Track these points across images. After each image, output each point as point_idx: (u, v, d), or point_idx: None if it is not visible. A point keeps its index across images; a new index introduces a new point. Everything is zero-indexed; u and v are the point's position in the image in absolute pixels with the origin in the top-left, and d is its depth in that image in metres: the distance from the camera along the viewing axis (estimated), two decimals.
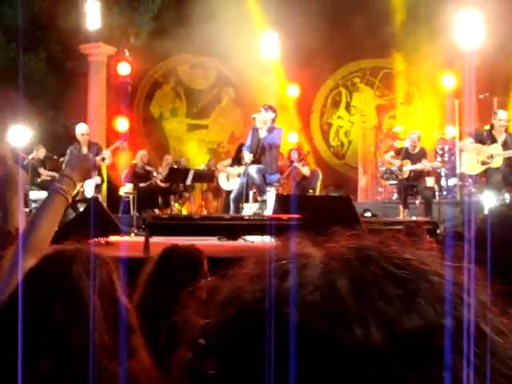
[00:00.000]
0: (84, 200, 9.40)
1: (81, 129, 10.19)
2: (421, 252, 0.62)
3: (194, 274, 2.83)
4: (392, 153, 11.47)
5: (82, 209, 8.37)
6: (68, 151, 10.18)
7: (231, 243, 7.12)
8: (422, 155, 10.82)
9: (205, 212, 13.81)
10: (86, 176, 2.50)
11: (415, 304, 0.56)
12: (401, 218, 10.30)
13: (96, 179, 9.89)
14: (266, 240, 6.99)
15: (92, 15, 13.92)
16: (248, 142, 9.17)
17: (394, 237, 0.65)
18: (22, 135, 12.34)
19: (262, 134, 8.89)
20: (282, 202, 7.25)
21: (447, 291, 0.57)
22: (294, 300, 0.57)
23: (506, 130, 9.47)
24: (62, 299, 1.54)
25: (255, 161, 8.93)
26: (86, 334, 1.49)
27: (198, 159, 15.53)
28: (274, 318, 0.56)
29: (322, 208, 7.20)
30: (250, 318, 0.58)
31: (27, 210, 8.95)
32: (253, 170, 8.82)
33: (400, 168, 10.78)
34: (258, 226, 6.78)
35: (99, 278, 1.61)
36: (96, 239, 7.24)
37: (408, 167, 10.68)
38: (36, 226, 2.15)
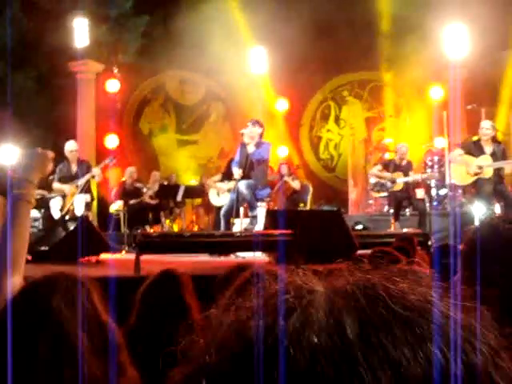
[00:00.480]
0: (74, 218, 9.35)
1: (70, 146, 10.14)
2: (426, 290, 0.60)
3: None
4: (379, 166, 11.47)
5: (72, 227, 8.31)
6: (57, 169, 10.13)
7: (223, 259, 7.10)
8: (409, 168, 10.87)
9: (196, 228, 13.78)
10: (43, 170, 2.44)
11: (424, 349, 0.54)
12: (392, 230, 10.31)
13: (86, 197, 9.85)
14: (258, 256, 6.97)
15: (80, 32, 13.91)
16: (237, 157, 9.17)
17: (399, 270, 0.63)
18: (10, 154, 12.30)
19: (250, 149, 8.90)
20: (273, 217, 7.24)
21: (456, 335, 0.55)
22: (300, 341, 0.55)
23: (494, 140, 9.52)
24: (46, 337, 1.50)
25: (244, 176, 8.94)
26: (74, 369, 1.46)
27: (188, 175, 15.51)
28: (279, 359, 0.54)
29: (313, 222, 7.20)
30: (252, 357, 0.56)
31: None
32: (242, 185, 8.82)
33: (392, 180, 10.79)
34: (249, 242, 6.76)
35: (81, 305, 1.57)
36: (86, 258, 7.21)
37: (402, 179, 10.70)
38: (8, 240, 2.10)
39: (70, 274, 1.67)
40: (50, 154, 2.51)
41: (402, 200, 10.83)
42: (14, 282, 2.00)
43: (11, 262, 2.02)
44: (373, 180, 11.73)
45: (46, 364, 1.47)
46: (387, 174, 10.95)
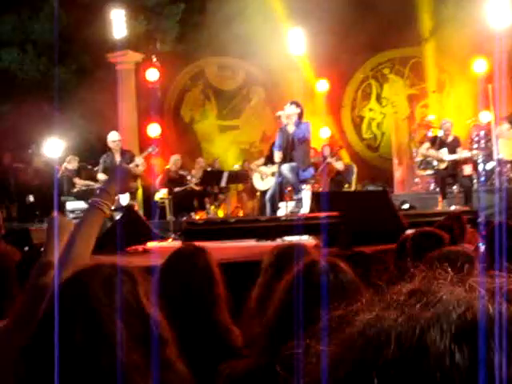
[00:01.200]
0: (120, 208, 9.43)
1: (112, 136, 10.23)
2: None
3: None
4: (427, 144, 11.26)
5: (117, 217, 8.38)
6: (101, 160, 10.25)
7: (270, 244, 7.07)
8: (456, 143, 10.65)
9: (241, 213, 13.78)
10: (124, 187, 2.56)
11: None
12: (439, 208, 10.14)
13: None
14: (305, 239, 6.92)
15: (117, 24, 14.00)
16: (277, 140, 9.09)
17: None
18: (56, 147, 12.48)
19: (290, 129, 8.80)
20: (319, 199, 7.17)
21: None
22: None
23: None
24: (82, 324, 1.50)
25: (287, 158, 8.85)
26: (112, 356, 1.45)
27: (230, 160, 15.51)
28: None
29: (359, 203, 7.12)
30: (411, 357, 0.52)
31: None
32: (285, 168, 8.75)
33: (439, 159, 10.59)
34: (295, 226, 6.71)
35: (122, 293, 1.56)
36: (133, 247, 7.27)
37: (449, 156, 10.49)
38: (73, 242, 2.18)
39: (114, 263, 1.66)
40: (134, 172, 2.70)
41: (447, 177, 10.63)
42: None
43: (71, 263, 2.04)
44: (418, 158, 11.54)
45: (82, 351, 1.47)
46: (434, 153, 10.74)
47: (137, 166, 10.03)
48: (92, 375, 1.46)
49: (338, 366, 0.55)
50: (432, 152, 10.82)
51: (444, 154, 10.58)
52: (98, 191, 2.42)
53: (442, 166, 10.55)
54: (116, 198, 9.02)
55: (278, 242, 7.23)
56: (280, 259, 2.89)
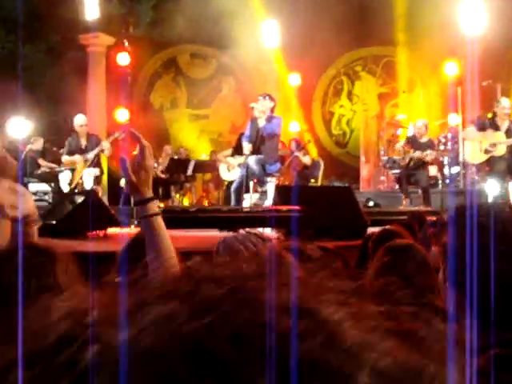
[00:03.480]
0: (83, 192, 9.31)
1: (79, 120, 10.10)
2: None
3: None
4: (403, 142, 11.34)
5: (79, 201, 8.27)
6: (67, 142, 10.13)
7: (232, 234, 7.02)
8: (429, 145, 10.71)
9: (206, 203, 13.74)
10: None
11: None
12: (402, 207, 10.21)
13: (95, 171, 9.82)
14: (267, 231, 6.90)
15: (91, 5, 13.78)
16: (247, 132, 9.08)
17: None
18: (21, 127, 12.26)
19: (261, 123, 8.80)
20: (282, 192, 7.16)
21: None
22: None
23: (509, 118, 9.39)
24: None
25: (255, 151, 8.84)
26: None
27: (199, 149, 15.43)
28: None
29: (323, 199, 7.12)
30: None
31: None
32: (252, 161, 8.73)
33: (404, 157, 10.69)
34: (258, 218, 6.69)
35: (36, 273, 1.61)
36: (94, 232, 7.18)
37: (410, 155, 10.58)
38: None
39: (37, 245, 1.72)
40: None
41: (409, 177, 10.71)
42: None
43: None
44: (385, 157, 11.60)
45: None
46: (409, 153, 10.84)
47: (102, 150, 9.93)
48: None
49: None
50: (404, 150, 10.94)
51: (408, 151, 10.68)
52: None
53: (403, 162, 10.65)
54: (80, 181, 8.88)
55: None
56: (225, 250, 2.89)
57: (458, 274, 1.43)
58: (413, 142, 10.83)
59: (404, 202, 10.65)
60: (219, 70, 16.44)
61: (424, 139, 10.78)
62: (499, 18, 11.95)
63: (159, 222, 2.09)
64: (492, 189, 9.33)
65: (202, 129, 16.35)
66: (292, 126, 14.47)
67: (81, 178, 9.65)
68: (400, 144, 11.41)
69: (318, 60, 15.04)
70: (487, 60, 11.84)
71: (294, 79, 15.14)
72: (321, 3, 13.88)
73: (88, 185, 9.60)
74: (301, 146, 12.16)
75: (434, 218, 7.09)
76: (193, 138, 15.96)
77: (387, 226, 4.51)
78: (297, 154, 11.80)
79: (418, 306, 0.51)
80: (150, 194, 2.12)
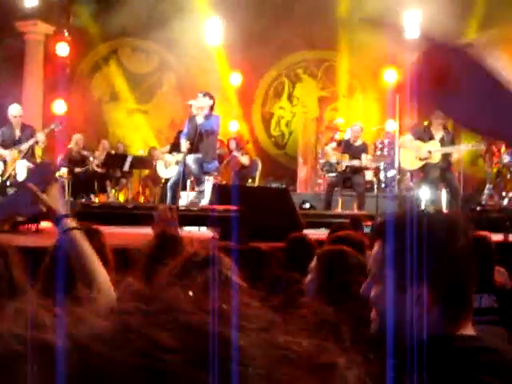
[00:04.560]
0: (14, 184, 9.07)
1: (14, 111, 9.82)
2: None
3: None
4: (334, 144, 11.50)
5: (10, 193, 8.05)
6: (0, 132, 9.85)
7: None
8: (363, 149, 10.89)
9: (142, 199, 13.59)
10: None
11: None
12: (339, 211, 10.33)
13: (28, 163, 9.58)
14: (203, 231, 6.87)
15: None
16: (185, 129, 9.04)
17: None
18: None
19: (199, 120, 8.77)
20: (219, 192, 7.14)
21: None
22: None
23: (444, 128, 9.65)
24: None
25: (193, 148, 8.80)
26: None
27: (137, 145, 15.25)
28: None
29: (259, 199, 7.12)
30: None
31: None
32: (190, 159, 8.69)
33: (338, 162, 10.83)
34: (194, 217, 6.65)
35: None
36: (26, 226, 7.00)
37: (346, 162, 10.74)
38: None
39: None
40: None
41: (345, 180, 10.87)
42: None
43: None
44: (323, 160, 11.72)
45: None
46: (336, 155, 10.99)
47: (37, 142, 9.71)
48: None
49: None
50: (335, 153, 11.06)
51: (344, 158, 10.82)
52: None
53: (340, 168, 10.81)
54: (13, 173, 8.61)
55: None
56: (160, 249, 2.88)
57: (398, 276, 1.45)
58: (346, 145, 10.99)
59: (339, 205, 10.80)
60: (160, 66, 16.29)
61: (358, 142, 10.95)
62: (439, 28, 12.21)
63: (79, 236, 2.17)
64: (425, 195, 9.56)
65: (140, 124, 16.16)
66: (231, 126, 14.46)
67: (13, 170, 9.41)
68: (330, 146, 11.54)
69: (260, 60, 15.08)
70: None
71: (235, 78, 15.13)
72: (265, 3, 13.90)
73: (21, 176, 9.36)
74: (239, 146, 12.17)
75: (370, 223, 7.21)
76: (131, 133, 15.75)
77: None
78: (235, 153, 11.80)
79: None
80: (64, 211, 2.22)
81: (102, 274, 2.08)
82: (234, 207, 6.14)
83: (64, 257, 2.79)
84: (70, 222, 2.20)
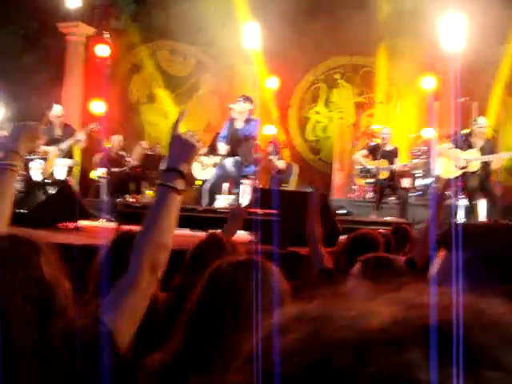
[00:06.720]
0: (55, 183, 9.19)
1: (56, 111, 9.94)
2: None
3: None
4: (364, 151, 11.31)
5: (52, 191, 8.17)
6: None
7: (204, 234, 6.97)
8: (394, 153, 10.76)
9: None
10: (31, 143, 2.48)
11: None
12: (375, 217, 10.25)
13: (68, 162, 9.70)
14: (241, 234, 6.87)
15: None
16: (224, 132, 9.05)
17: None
18: None
19: (239, 125, 8.78)
20: (259, 195, 7.13)
21: None
22: None
23: (485, 137, 9.52)
24: None
25: (231, 152, 8.82)
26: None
27: None
28: None
29: (297, 204, 7.09)
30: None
31: None
32: (229, 162, 8.72)
33: (378, 168, 10.68)
34: None
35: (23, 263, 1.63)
36: (65, 224, 7.09)
37: (386, 167, 10.61)
38: None
39: (18, 235, 1.72)
40: (40, 127, 2.54)
41: (385, 187, 10.75)
42: None
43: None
44: (359, 166, 11.65)
45: None
46: (371, 163, 10.86)
47: (77, 141, 9.82)
48: None
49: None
50: (368, 162, 10.92)
51: (383, 164, 10.69)
52: (5, 153, 2.31)
53: (382, 176, 10.67)
54: (53, 171, 8.72)
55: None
56: (205, 251, 2.88)
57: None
58: (374, 150, 10.87)
59: (374, 213, 10.71)
60: (198, 69, 16.37)
61: (389, 147, 10.81)
62: (479, 36, 12.10)
63: (175, 199, 1.93)
64: (463, 205, 9.46)
65: None
66: (267, 130, 14.45)
67: (53, 168, 9.53)
68: (359, 153, 11.33)
69: (298, 65, 15.08)
70: (465, 77, 11.98)
71: (272, 83, 15.11)
72: (303, 9, 13.89)
73: (60, 175, 9.47)
74: (276, 150, 12.18)
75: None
76: (168, 135, 15.82)
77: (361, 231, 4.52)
78: (271, 157, 11.80)
79: None
80: (185, 169, 2.03)
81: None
82: (274, 211, 6.13)
83: (120, 256, 2.81)
84: (179, 183, 1.97)
